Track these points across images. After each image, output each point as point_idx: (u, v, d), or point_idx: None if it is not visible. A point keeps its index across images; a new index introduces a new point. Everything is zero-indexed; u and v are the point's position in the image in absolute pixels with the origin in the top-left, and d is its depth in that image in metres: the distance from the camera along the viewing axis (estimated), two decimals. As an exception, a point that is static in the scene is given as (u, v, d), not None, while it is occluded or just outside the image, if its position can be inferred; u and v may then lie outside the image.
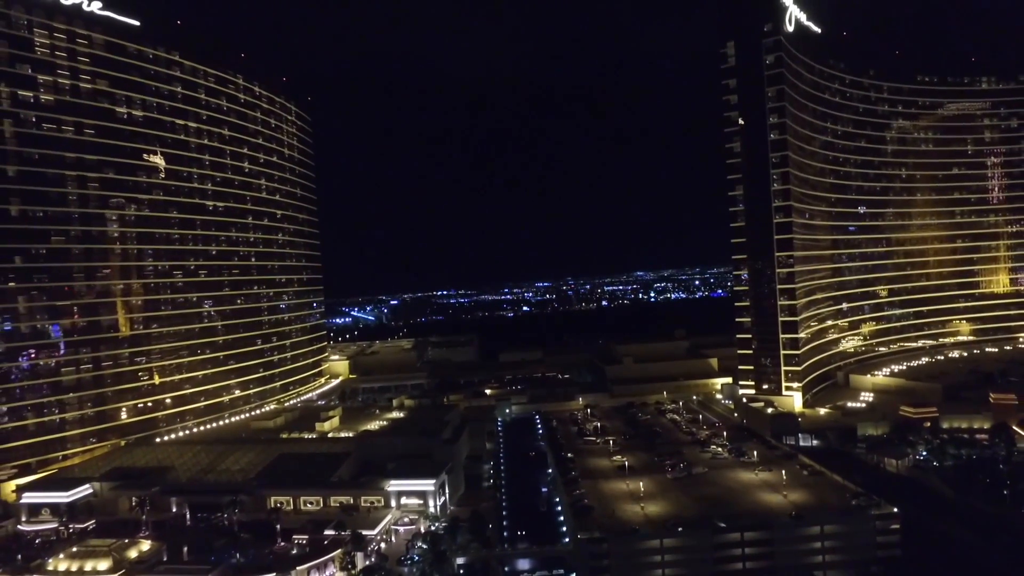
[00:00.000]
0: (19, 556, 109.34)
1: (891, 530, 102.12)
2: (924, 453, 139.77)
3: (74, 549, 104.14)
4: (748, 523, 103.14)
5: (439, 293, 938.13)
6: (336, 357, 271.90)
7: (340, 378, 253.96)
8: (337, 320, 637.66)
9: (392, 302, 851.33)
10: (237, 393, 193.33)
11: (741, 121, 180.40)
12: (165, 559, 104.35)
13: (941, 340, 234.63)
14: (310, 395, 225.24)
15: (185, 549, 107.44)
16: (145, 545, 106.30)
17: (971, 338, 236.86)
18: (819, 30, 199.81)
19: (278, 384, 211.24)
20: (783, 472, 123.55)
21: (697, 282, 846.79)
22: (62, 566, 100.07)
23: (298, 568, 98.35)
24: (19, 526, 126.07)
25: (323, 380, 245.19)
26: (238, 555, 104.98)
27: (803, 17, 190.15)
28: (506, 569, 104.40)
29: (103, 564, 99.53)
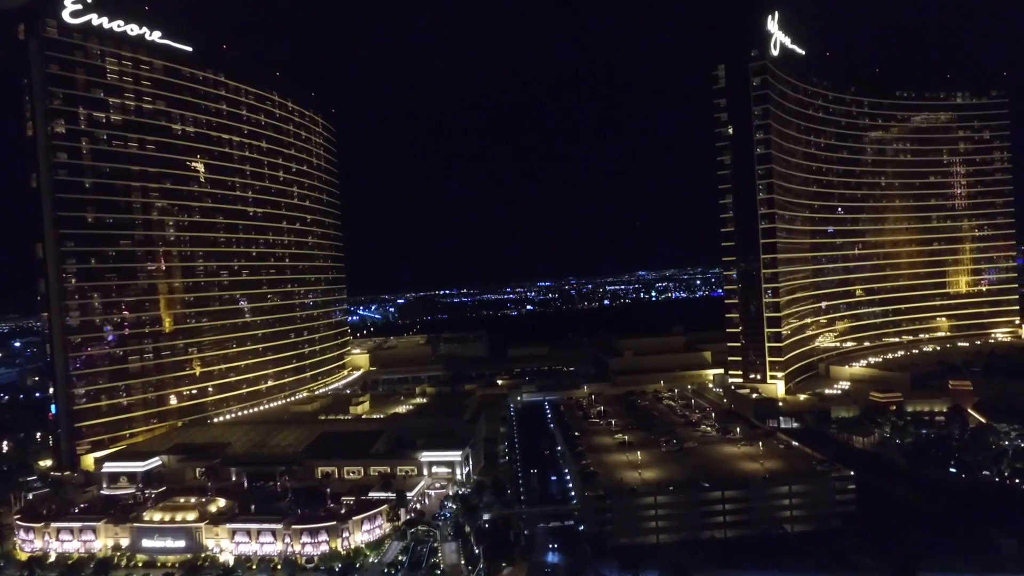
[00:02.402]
0: (111, 511, 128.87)
1: (848, 490, 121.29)
2: (888, 432, 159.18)
3: (163, 504, 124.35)
4: (728, 484, 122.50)
5: (442, 292, 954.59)
6: (357, 351, 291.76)
7: (361, 370, 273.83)
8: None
9: (399, 301, 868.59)
10: (272, 382, 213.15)
11: (731, 136, 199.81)
12: (237, 513, 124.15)
13: (921, 336, 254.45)
14: (336, 385, 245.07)
15: (253, 507, 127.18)
16: (221, 502, 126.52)
17: (947, 334, 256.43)
18: (803, 52, 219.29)
19: (308, 374, 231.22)
20: (761, 446, 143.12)
21: (698, 281, 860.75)
22: (156, 516, 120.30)
23: (353, 519, 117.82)
24: (101, 491, 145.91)
25: (346, 372, 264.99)
26: (299, 511, 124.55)
27: (787, 41, 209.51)
28: (524, 519, 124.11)
29: (190, 515, 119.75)
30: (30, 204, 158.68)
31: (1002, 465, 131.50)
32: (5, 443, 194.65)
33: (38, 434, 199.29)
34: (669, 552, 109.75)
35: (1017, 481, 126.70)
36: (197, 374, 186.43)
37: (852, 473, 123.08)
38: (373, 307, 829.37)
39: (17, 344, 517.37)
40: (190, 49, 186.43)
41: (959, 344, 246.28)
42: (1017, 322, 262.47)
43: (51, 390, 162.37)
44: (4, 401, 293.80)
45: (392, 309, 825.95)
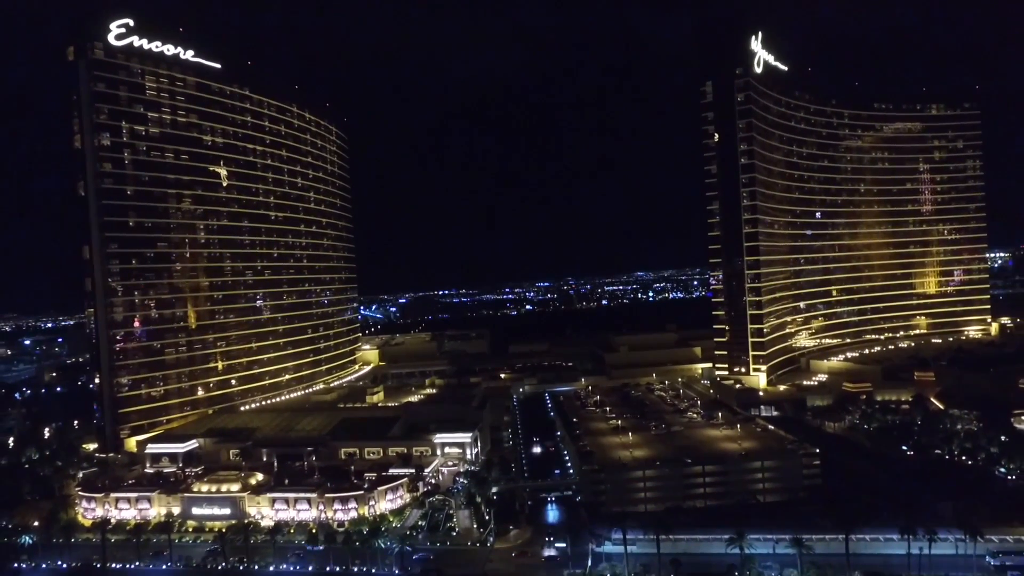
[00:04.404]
0: (160, 485, 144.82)
1: (814, 465, 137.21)
2: (857, 418, 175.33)
3: (208, 477, 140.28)
4: (709, 460, 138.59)
5: (441, 293, 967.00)
6: (367, 347, 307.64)
7: (371, 365, 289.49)
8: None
9: (400, 300, 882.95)
10: (291, 374, 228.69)
11: (717, 146, 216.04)
12: (273, 484, 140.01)
13: (900, 333, 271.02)
14: (349, 378, 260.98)
15: (286, 481, 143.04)
16: (260, 476, 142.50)
17: (925, 331, 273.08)
18: (786, 68, 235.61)
19: (324, 368, 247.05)
20: (740, 429, 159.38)
21: (696, 282, 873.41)
22: (204, 487, 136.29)
23: (378, 489, 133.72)
24: (145, 469, 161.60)
25: (357, 366, 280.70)
26: (327, 484, 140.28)
27: (771, 59, 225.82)
28: (528, 491, 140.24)
29: (234, 487, 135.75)
30: (78, 210, 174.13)
31: (952, 445, 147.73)
32: (46, 430, 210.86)
33: (75, 422, 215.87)
34: (655, 516, 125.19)
35: (963, 458, 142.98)
36: (225, 366, 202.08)
37: (818, 451, 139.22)
38: (374, 307, 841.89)
39: (27, 342, 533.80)
40: (219, 66, 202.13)
41: (933, 341, 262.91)
42: (988, 320, 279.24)
43: (96, 379, 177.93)
44: (29, 395, 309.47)
45: (393, 309, 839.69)
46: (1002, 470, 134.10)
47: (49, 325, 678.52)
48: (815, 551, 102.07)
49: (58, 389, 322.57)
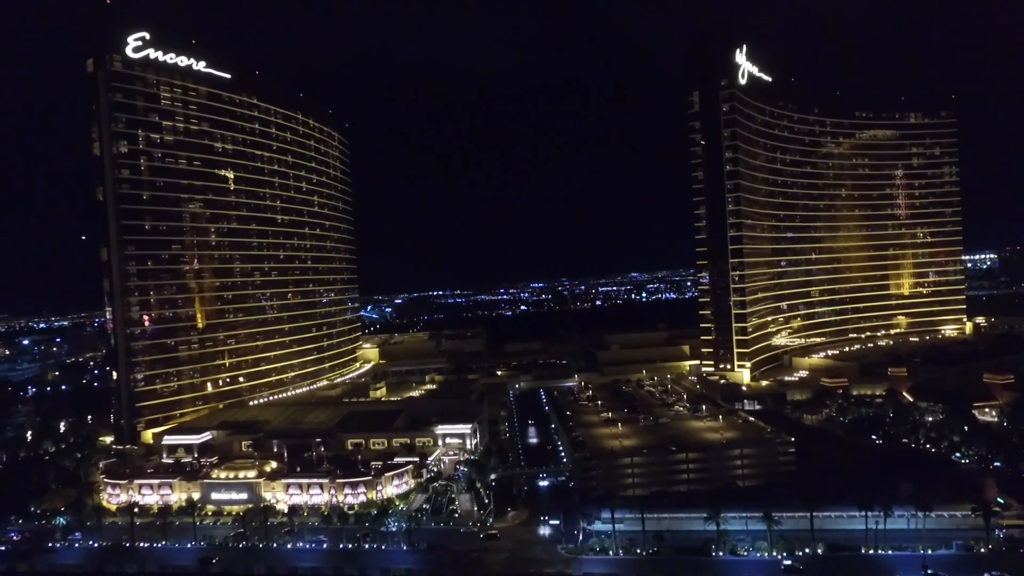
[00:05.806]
0: (180, 471, 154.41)
1: (789, 453, 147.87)
2: (833, 411, 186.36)
3: (225, 465, 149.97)
4: (692, 448, 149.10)
5: (435, 293, 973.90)
6: (367, 345, 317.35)
7: (372, 363, 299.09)
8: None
9: (396, 301, 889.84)
10: (296, 371, 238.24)
11: (703, 154, 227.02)
12: (286, 471, 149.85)
13: (880, 332, 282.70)
14: (351, 375, 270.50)
15: (298, 469, 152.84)
16: (274, 464, 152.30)
17: (904, 330, 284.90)
18: (770, 79, 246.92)
19: (327, 365, 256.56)
20: (722, 420, 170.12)
21: (689, 283, 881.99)
22: (222, 474, 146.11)
23: (385, 475, 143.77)
24: (163, 460, 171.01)
25: (358, 364, 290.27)
26: (337, 471, 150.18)
27: (755, 70, 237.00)
28: (524, 478, 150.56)
29: (251, 473, 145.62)
30: (97, 214, 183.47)
31: (919, 434, 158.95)
32: (61, 424, 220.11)
33: (88, 416, 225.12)
34: (641, 498, 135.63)
35: (928, 446, 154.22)
36: (234, 362, 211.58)
37: (793, 440, 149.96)
38: (369, 307, 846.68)
39: (26, 342, 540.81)
40: (228, 76, 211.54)
41: (911, 339, 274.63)
42: (964, 319, 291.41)
43: (113, 375, 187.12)
44: (35, 393, 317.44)
45: (389, 309, 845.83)
46: (958, 455, 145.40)
47: (42, 326, 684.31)
48: (784, 527, 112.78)
49: (63, 387, 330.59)
